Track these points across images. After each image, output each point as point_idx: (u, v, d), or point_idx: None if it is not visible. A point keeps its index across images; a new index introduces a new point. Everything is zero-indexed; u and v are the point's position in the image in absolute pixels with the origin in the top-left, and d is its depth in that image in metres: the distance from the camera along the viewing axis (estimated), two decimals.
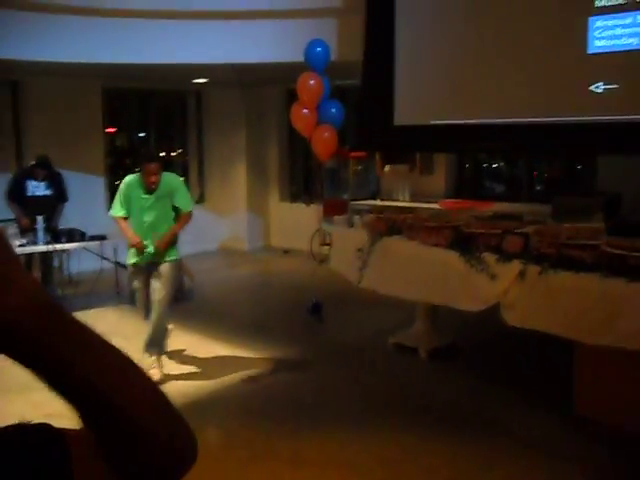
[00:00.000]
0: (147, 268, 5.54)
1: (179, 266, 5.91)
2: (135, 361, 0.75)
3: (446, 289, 4.94)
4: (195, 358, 6.04)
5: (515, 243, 4.45)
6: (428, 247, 5.07)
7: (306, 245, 10.12)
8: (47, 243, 7.32)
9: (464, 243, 4.77)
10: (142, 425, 0.73)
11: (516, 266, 4.32)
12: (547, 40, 6.07)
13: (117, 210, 5.51)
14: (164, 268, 5.45)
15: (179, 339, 6.59)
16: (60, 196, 7.92)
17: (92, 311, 7.69)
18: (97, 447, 0.74)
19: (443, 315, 6.17)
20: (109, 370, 0.72)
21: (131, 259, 5.58)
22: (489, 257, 4.52)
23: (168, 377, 5.54)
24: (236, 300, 8.59)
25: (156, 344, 5.57)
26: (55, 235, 7.42)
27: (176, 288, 5.93)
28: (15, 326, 0.65)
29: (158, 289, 5.41)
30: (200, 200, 11.95)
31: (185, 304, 8.09)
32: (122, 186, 5.54)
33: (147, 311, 5.60)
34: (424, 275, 5.14)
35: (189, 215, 5.58)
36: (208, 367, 5.80)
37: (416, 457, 4.10)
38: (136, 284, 5.69)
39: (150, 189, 5.39)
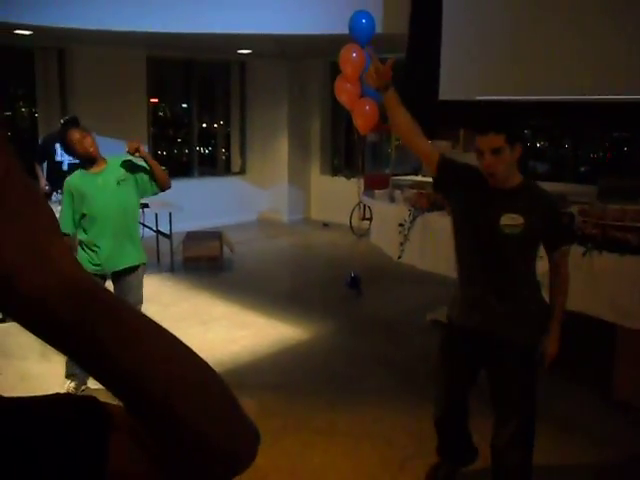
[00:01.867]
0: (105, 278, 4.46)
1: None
2: (191, 350, 0.69)
3: None
4: (232, 328, 6.09)
5: None
6: None
7: (345, 219, 10.10)
8: None
9: None
10: (194, 425, 0.65)
11: None
12: (605, 17, 5.90)
13: None
14: (132, 278, 4.49)
15: (218, 309, 6.66)
16: None
17: None
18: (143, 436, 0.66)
19: None
20: (157, 363, 0.63)
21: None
22: None
23: (204, 345, 5.61)
24: (275, 271, 8.63)
25: None
26: None
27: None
28: (41, 310, 0.57)
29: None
30: (241, 171, 12.00)
31: (224, 274, 8.16)
32: None
33: None
34: None
35: None
36: (245, 337, 5.84)
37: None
38: None
39: None
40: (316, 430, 4.14)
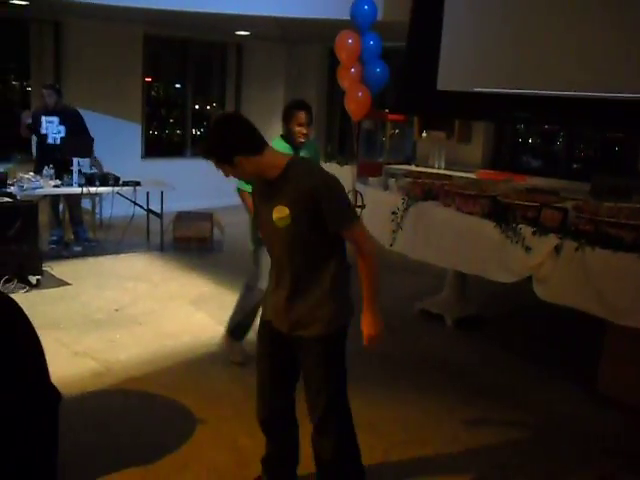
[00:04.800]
0: None
1: None
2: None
3: (478, 258, 4.89)
4: (220, 308, 6.05)
5: (553, 217, 4.37)
6: (463, 215, 5.00)
7: None
8: (81, 186, 7.35)
9: (500, 213, 4.70)
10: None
11: (552, 240, 4.25)
12: (606, 12, 5.89)
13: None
14: None
15: (206, 289, 6.64)
16: (78, 131, 7.67)
17: (122, 256, 7.79)
18: None
19: (472, 285, 6.14)
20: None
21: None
22: (525, 229, 4.45)
23: (192, 325, 5.59)
24: None
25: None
26: (89, 178, 7.44)
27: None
28: None
29: None
30: None
31: (214, 255, 8.14)
32: None
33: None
34: (457, 243, 5.08)
35: None
36: None
37: (438, 422, 4.11)
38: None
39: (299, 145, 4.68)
40: (302, 413, 4.11)
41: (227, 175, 2.68)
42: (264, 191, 2.76)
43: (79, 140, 7.64)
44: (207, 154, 2.64)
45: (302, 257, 2.74)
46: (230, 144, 2.60)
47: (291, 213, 2.63)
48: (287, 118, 4.66)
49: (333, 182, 2.68)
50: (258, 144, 2.65)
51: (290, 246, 2.73)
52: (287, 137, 4.66)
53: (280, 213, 2.64)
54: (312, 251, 2.73)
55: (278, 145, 4.50)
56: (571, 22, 6.13)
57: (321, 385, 2.88)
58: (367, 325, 2.87)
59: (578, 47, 6.06)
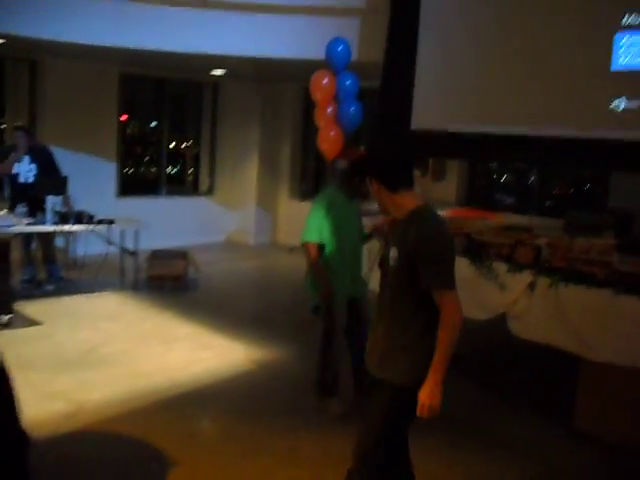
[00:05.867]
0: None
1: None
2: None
3: None
4: (194, 349, 6.01)
5: (527, 254, 4.41)
6: None
7: None
8: (54, 224, 7.29)
9: (475, 251, 4.74)
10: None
11: (526, 277, 4.28)
12: (571, 54, 6.02)
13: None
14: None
15: (180, 329, 6.58)
16: (49, 169, 7.64)
17: (95, 295, 7.70)
18: None
19: None
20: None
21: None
22: (499, 266, 4.49)
23: (166, 365, 5.53)
24: (239, 293, 8.57)
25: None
26: (63, 217, 7.38)
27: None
28: None
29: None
30: (209, 192, 11.94)
31: (188, 294, 8.08)
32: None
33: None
34: None
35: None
36: (207, 359, 5.77)
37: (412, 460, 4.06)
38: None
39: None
40: (277, 455, 4.08)
41: (373, 194, 2.89)
42: (394, 229, 2.88)
43: (52, 178, 7.60)
44: (359, 164, 2.92)
45: (397, 301, 2.80)
46: (374, 164, 2.87)
47: (399, 256, 2.73)
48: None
49: (436, 242, 2.72)
50: (396, 183, 2.80)
51: (391, 288, 2.82)
52: (350, 189, 4.54)
53: (394, 253, 2.76)
54: (407, 297, 2.77)
55: (336, 195, 4.55)
56: (540, 64, 6.25)
57: (367, 432, 2.89)
58: (424, 393, 2.71)
59: (546, 86, 6.17)
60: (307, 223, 4.53)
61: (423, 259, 2.66)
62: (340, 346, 4.68)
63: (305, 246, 4.51)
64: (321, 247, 4.51)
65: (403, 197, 2.80)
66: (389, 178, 2.79)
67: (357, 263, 4.68)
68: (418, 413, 2.72)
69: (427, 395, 2.69)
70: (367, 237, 4.78)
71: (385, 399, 2.83)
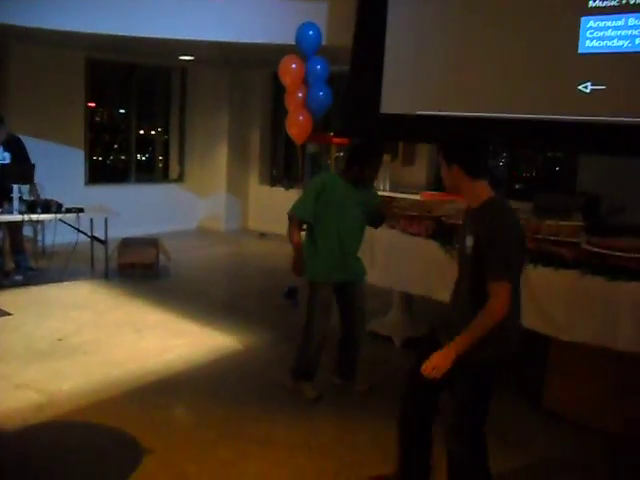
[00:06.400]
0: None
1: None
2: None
3: (424, 279, 4.94)
4: (167, 336, 5.99)
5: None
6: (408, 236, 5.06)
7: (283, 229, 10.02)
8: (22, 213, 7.20)
9: (445, 234, 4.77)
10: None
11: None
12: (539, 37, 6.07)
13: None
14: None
15: (152, 317, 6.55)
16: (20, 158, 7.55)
17: (65, 284, 7.63)
18: None
19: (420, 305, 6.18)
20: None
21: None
22: None
23: (138, 353, 5.50)
24: (211, 280, 8.54)
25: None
26: (31, 205, 7.29)
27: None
28: None
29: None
30: (179, 179, 11.88)
31: (159, 282, 8.04)
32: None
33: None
34: (402, 264, 5.13)
35: None
36: (179, 345, 5.75)
37: (386, 444, 4.09)
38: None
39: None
40: (252, 440, 4.09)
41: (443, 176, 3.04)
42: (468, 217, 3.00)
43: (19, 167, 7.49)
44: (446, 144, 3.01)
45: (469, 285, 2.93)
46: (460, 149, 2.94)
47: (474, 244, 2.84)
48: (367, 162, 4.49)
49: (501, 234, 2.80)
50: (476, 170, 2.90)
51: (465, 273, 2.98)
52: (350, 177, 4.54)
53: (469, 242, 2.87)
54: (476, 283, 2.86)
55: (333, 180, 4.55)
56: (507, 47, 6.29)
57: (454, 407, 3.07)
58: (437, 355, 2.85)
59: (514, 69, 6.22)
60: (299, 197, 4.63)
61: (489, 250, 2.77)
62: (320, 331, 4.69)
63: (289, 215, 4.59)
64: (306, 224, 4.62)
65: (480, 186, 2.91)
66: (473, 164, 2.90)
67: (353, 248, 4.67)
68: (421, 368, 2.88)
69: (438, 357, 2.84)
70: (382, 219, 4.83)
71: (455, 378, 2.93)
